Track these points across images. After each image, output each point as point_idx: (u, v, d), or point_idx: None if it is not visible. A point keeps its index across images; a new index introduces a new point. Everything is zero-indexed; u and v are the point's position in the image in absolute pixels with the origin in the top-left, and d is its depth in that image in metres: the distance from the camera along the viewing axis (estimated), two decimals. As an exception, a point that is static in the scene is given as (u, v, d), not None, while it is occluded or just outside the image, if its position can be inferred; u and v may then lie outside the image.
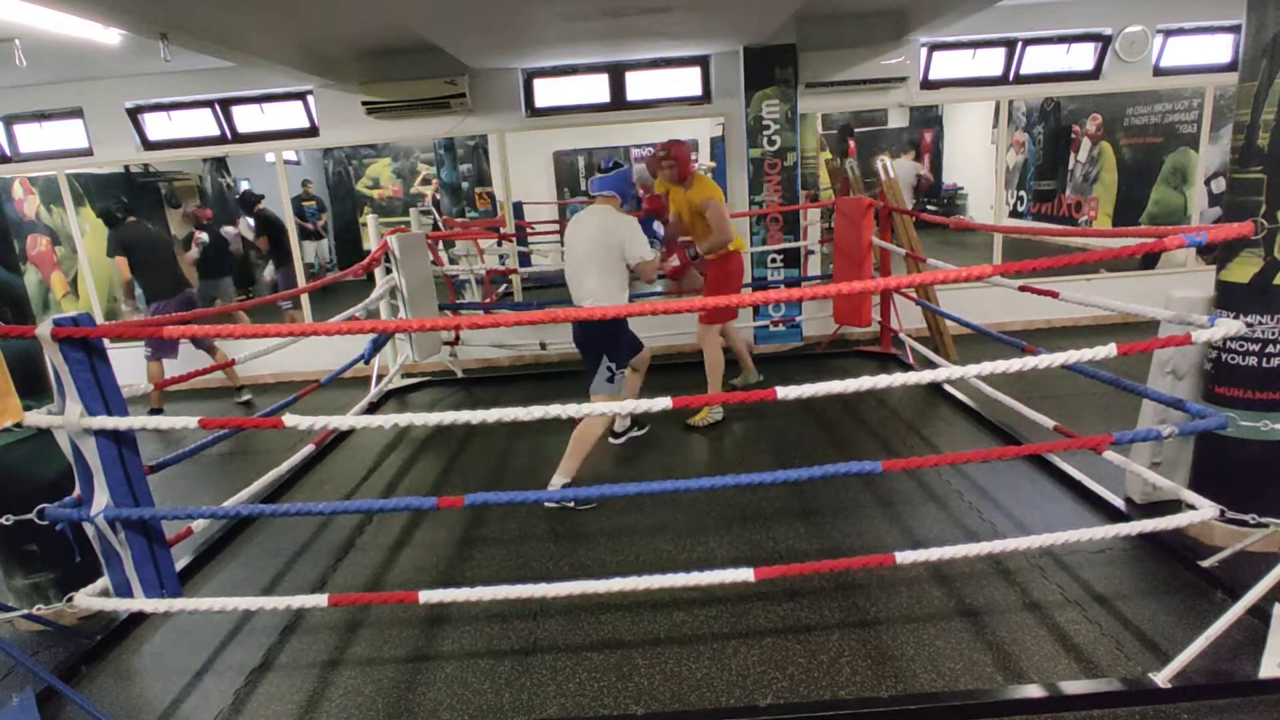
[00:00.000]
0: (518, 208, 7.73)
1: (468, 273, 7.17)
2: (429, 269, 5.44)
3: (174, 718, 2.35)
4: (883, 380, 2.01)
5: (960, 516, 3.24)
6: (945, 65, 5.92)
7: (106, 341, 2.14)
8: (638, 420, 4.14)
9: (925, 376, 2.10)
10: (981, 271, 2.12)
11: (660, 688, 2.31)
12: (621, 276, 3.53)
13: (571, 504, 3.57)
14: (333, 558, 3.29)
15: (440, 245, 6.27)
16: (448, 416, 2.09)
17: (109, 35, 4.12)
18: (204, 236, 5.77)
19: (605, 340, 3.56)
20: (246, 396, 5.83)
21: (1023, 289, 3.46)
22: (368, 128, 5.93)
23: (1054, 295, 3.16)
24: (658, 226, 3.70)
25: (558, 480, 3.53)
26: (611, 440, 4.26)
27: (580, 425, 3.56)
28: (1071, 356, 2.02)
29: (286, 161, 7.12)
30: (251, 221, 7.77)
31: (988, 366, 2.04)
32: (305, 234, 9.35)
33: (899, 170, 7.91)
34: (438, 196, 9.78)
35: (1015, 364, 2.04)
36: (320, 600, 2.22)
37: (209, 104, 5.93)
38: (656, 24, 4.61)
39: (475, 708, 2.28)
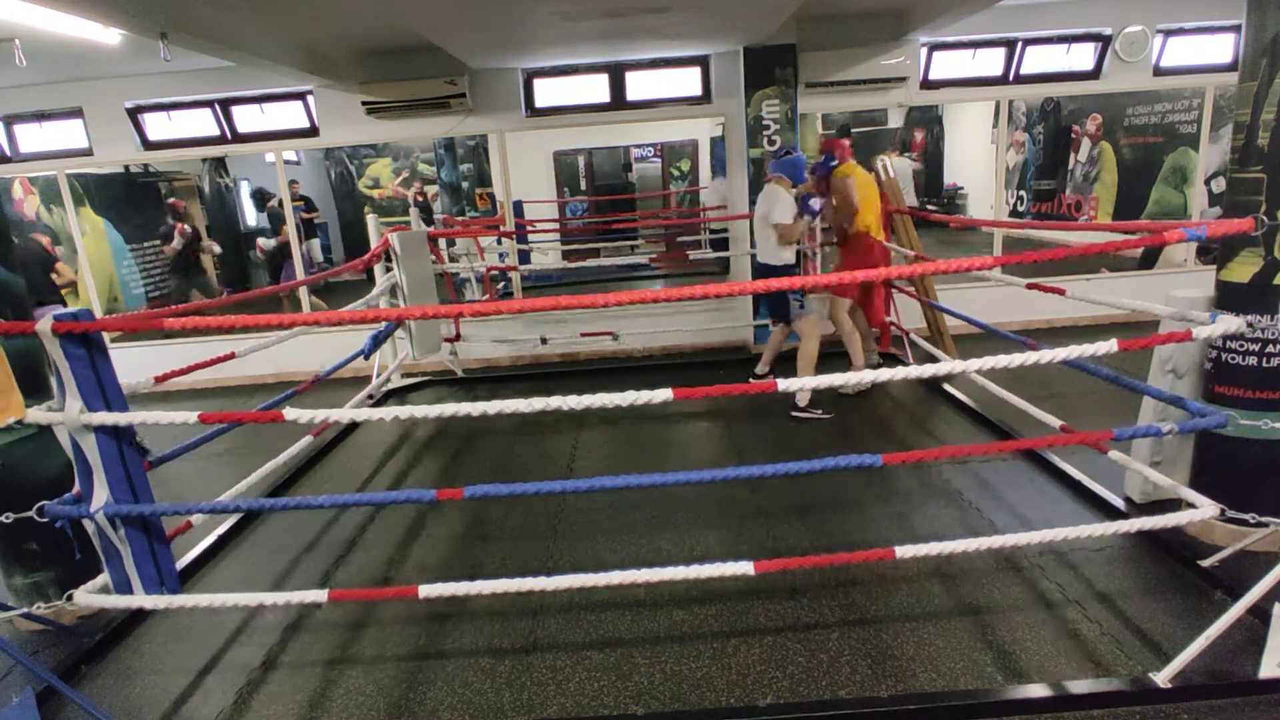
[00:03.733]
0: (518, 207, 7.73)
1: (468, 271, 7.17)
2: (429, 266, 5.44)
3: (175, 717, 2.35)
4: (883, 375, 2.01)
5: (961, 515, 3.24)
6: (945, 65, 5.92)
7: (107, 339, 2.14)
8: (815, 401, 4.61)
9: (926, 370, 2.10)
10: (984, 262, 2.12)
11: (660, 687, 2.31)
12: (777, 238, 4.46)
13: (818, 413, 4.51)
14: (334, 556, 3.29)
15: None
16: (449, 409, 2.09)
17: (109, 35, 4.12)
18: (187, 228, 5.60)
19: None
20: None
21: (1030, 286, 3.45)
22: (368, 128, 5.93)
23: (1060, 292, 3.16)
24: (814, 202, 4.48)
25: (802, 398, 4.53)
26: (793, 413, 4.58)
27: (799, 353, 4.54)
28: (1073, 352, 2.01)
29: (287, 162, 7.12)
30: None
31: (989, 361, 2.04)
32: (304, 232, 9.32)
33: (897, 169, 7.90)
34: (419, 199, 9.70)
35: (1016, 359, 2.04)
36: (320, 595, 2.22)
37: (209, 104, 5.92)
38: (656, 24, 4.61)
39: (475, 707, 2.28)
